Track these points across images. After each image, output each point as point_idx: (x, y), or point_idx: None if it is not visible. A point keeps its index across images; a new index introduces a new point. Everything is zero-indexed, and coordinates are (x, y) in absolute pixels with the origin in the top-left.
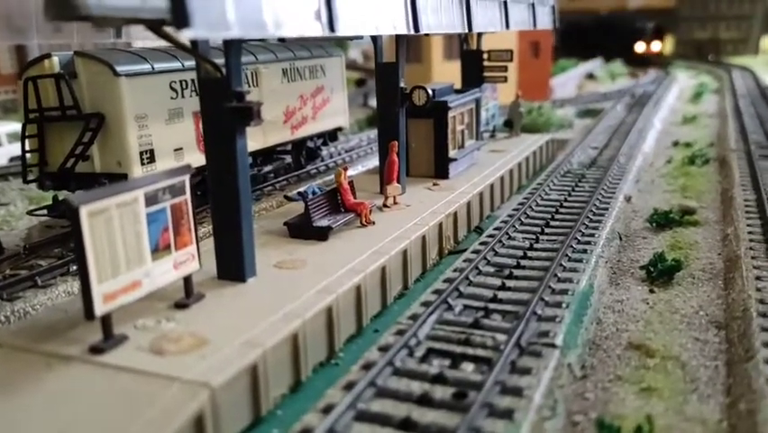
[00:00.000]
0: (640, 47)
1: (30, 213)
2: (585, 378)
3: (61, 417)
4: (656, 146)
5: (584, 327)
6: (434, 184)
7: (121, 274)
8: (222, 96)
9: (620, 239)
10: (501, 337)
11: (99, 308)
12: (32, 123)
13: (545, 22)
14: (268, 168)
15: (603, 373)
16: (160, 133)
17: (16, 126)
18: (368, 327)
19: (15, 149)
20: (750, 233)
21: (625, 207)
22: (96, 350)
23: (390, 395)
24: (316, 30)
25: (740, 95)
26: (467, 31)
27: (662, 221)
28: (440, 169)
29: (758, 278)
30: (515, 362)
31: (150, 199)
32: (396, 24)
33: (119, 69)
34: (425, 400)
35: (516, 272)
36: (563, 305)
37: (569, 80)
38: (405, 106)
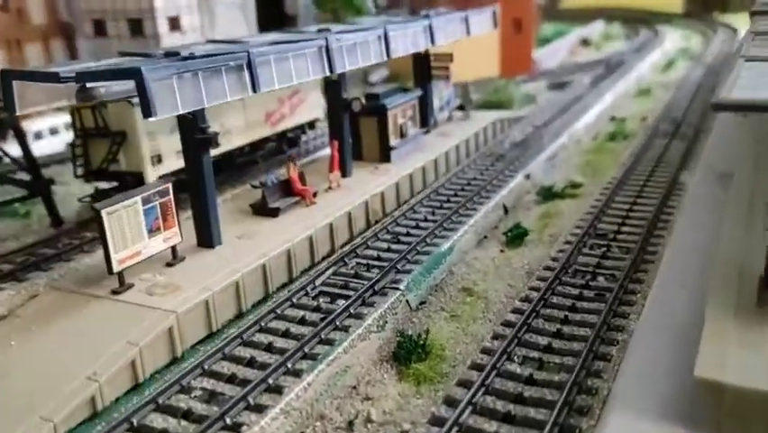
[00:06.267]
0: None
1: (79, 200)
2: (419, 310)
3: (94, 327)
4: (595, 121)
5: (432, 277)
6: (376, 168)
7: (128, 247)
8: (193, 131)
9: (505, 212)
10: (366, 283)
11: (116, 267)
12: (79, 137)
13: (484, 26)
14: (254, 155)
15: (434, 306)
16: (166, 142)
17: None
18: (297, 277)
19: (70, 136)
20: (596, 201)
21: (523, 184)
22: (114, 292)
23: (284, 319)
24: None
25: (703, 63)
26: (386, 59)
27: (546, 195)
28: (383, 155)
29: (566, 242)
30: (365, 299)
31: (145, 201)
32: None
33: (134, 101)
34: (303, 322)
35: (403, 239)
36: (419, 262)
37: (558, 50)
38: (347, 112)
